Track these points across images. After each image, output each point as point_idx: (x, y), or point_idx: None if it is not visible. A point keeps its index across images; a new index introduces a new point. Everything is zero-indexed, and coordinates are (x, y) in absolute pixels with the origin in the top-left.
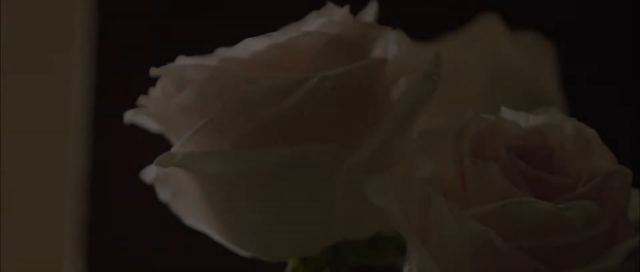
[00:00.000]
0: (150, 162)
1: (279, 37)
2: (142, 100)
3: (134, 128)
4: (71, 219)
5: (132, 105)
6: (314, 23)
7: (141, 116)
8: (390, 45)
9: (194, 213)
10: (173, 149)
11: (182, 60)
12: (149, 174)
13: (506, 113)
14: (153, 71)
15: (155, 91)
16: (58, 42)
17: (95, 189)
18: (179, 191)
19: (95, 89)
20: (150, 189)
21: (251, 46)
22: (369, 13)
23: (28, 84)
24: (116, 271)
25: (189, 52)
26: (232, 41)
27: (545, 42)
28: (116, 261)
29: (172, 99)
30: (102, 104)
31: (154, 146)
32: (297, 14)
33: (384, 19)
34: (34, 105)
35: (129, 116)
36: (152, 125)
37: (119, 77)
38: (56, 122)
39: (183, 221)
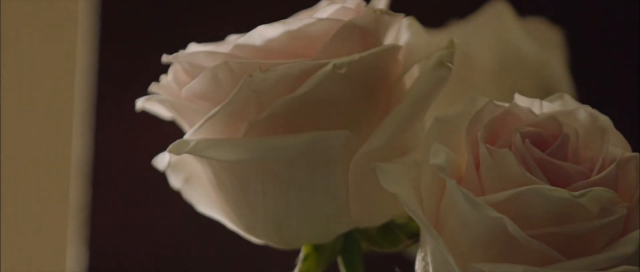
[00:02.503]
0: (153, 153)
1: (292, 24)
2: (153, 87)
3: (136, 120)
4: (74, 208)
5: (134, 97)
6: (327, 10)
7: (153, 103)
8: (403, 32)
9: (206, 200)
10: (186, 136)
11: (194, 47)
12: (162, 161)
13: (520, 100)
14: (165, 58)
15: (166, 78)
16: (60, 37)
17: (97, 179)
18: (191, 178)
19: (97, 82)
20: (151, 180)
21: (264, 33)
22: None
23: (31, 80)
24: (117, 258)
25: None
26: (240, 30)
27: (553, 28)
28: (117, 248)
29: (184, 86)
30: (103, 97)
31: (156, 137)
32: (309, 2)
33: (395, 6)
34: (37, 101)
35: (141, 103)
36: (163, 112)
37: (121, 71)
38: (59, 116)
39: (180, 211)
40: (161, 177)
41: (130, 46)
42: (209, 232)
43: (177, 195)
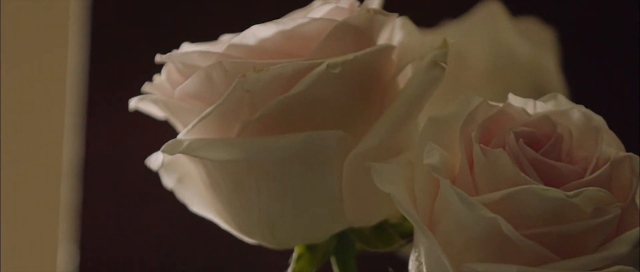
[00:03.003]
0: (144, 152)
1: (286, 23)
2: (146, 87)
3: (127, 120)
4: (65, 208)
5: (125, 97)
6: (320, 10)
7: (146, 103)
8: (396, 31)
9: (200, 200)
10: (179, 136)
11: (187, 47)
12: (155, 161)
13: (514, 100)
14: (159, 58)
15: (160, 78)
16: (51, 38)
17: (88, 179)
18: (184, 177)
19: (88, 81)
20: (142, 179)
21: (258, 33)
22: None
23: (22, 80)
24: (108, 258)
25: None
26: (233, 30)
27: (546, 28)
28: (108, 248)
29: (177, 86)
30: (94, 97)
31: (147, 137)
32: (303, 1)
33: (388, 6)
34: (28, 100)
35: (134, 103)
36: (156, 112)
37: (112, 70)
38: (50, 116)
39: (171, 210)
40: (153, 176)
41: (122, 45)
42: (201, 232)
43: (168, 195)
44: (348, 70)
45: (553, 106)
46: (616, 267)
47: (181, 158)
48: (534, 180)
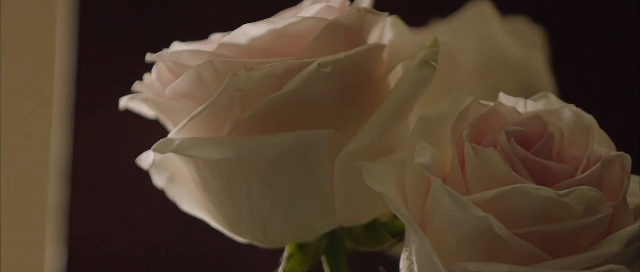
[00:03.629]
0: (132, 151)
1: (277, 22)
2: (137, 86)
3: (115, 119)
4: (53, 208)
5: (113, 96)
6: (311, 8)
7: (136, 102)
8: (387, 30)
9: (190, 199)
10: (170, 135)
11: (178, 46)
12: (146, 160)
13: (504, 99)
14: (149, 57)
15: (150, 77)
16: (39, 36)
17: (76, 179)
18: (175, 176)
19: (76, 80)
20: (130, 178)
21: (249, 32)
22: None
23: (10, 79)
24: (96, 258)
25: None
26: (222, 29)
27: (535, 27)
28: (96, 248)
29: (168, 85)
30: (82, 96)
31: (135, 136)
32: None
33: (379, 5)
34: (16, 100)
35: (124, 102)
36: (147, 111)
37: (100, 69)
38: (38, 115)
39: (160, 210)
40: (141, 176)
41: (111, 44)
42: (192, 232)
43: (156, 194)
44: (339, 69)
45: (544, 105)
46: (607, 267)
47: (172, 157)
48: (525, 179)
